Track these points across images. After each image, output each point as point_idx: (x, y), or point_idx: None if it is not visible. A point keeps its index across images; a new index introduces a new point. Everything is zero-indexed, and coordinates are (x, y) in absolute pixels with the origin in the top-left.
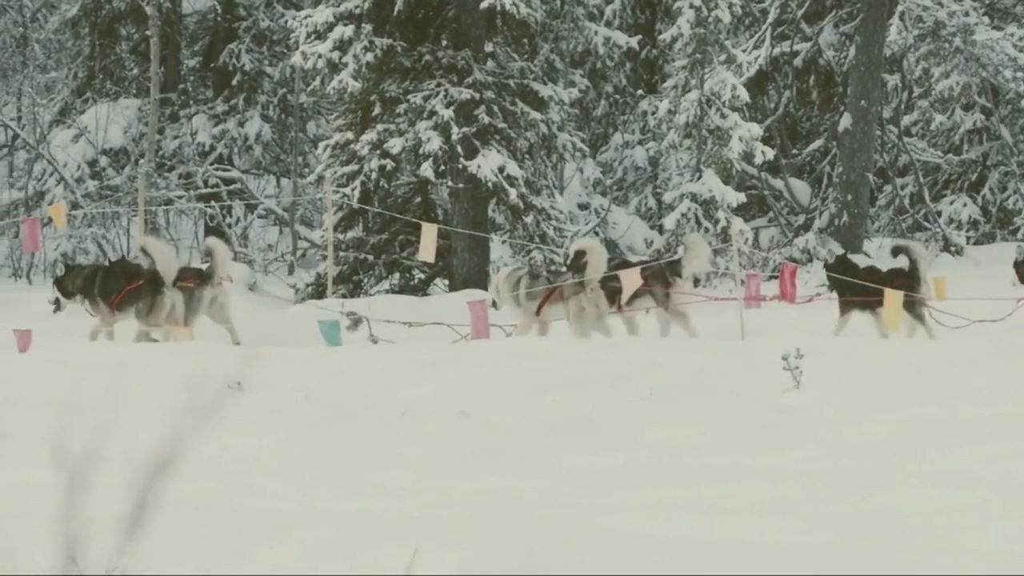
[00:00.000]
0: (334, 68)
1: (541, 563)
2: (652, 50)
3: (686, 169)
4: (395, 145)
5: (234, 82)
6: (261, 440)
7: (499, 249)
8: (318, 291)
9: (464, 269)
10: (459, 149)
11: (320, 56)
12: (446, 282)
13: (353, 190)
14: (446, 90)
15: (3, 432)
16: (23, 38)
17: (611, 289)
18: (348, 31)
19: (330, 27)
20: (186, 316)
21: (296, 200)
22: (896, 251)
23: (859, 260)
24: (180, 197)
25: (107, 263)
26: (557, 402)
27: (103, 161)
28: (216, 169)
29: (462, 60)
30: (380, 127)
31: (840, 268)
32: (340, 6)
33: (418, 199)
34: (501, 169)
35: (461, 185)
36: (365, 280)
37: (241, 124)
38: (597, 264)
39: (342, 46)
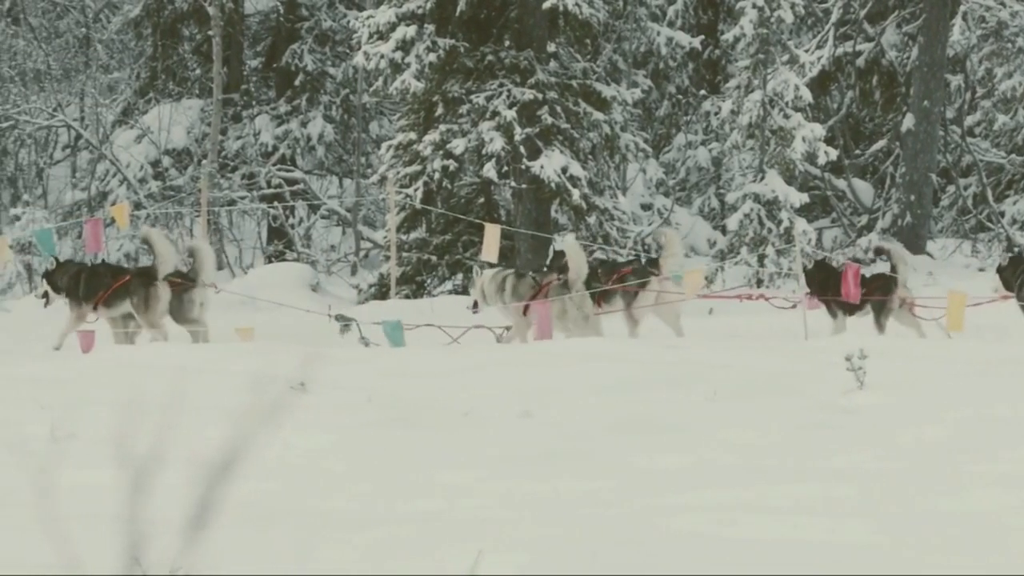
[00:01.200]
0: (397, 68)
1: (604, 564)
2: (715, 50)
3: (749, 170)
4: (458, 145)
5: (297, 82)
6: (324, 441)
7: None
8: (381, 292)
9: (527, 270)
10: (522, 149)
11: (383, 56)
12: None
13: (416, 191)
14: (509, 90)
15: (67, 433)
16: (86, 38)
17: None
18: (411, 31)
19: (392, 27)
20: (177, 316)
21: (359, 201)
22: (878, 252)
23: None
24: (243, 198)
25: (91, 263)
26: (620, 403)
27: (166, 161)
28: (279, 169)
29: (525, 60)
30: (443, 127)
31: (818, 273)
32: (403, 6)
33: (481, 199)
34: (564, 169)
35: (524, 185)
36: (428, 281)
37: (304, 124)
38: (578, 264)
39: (404, 46)
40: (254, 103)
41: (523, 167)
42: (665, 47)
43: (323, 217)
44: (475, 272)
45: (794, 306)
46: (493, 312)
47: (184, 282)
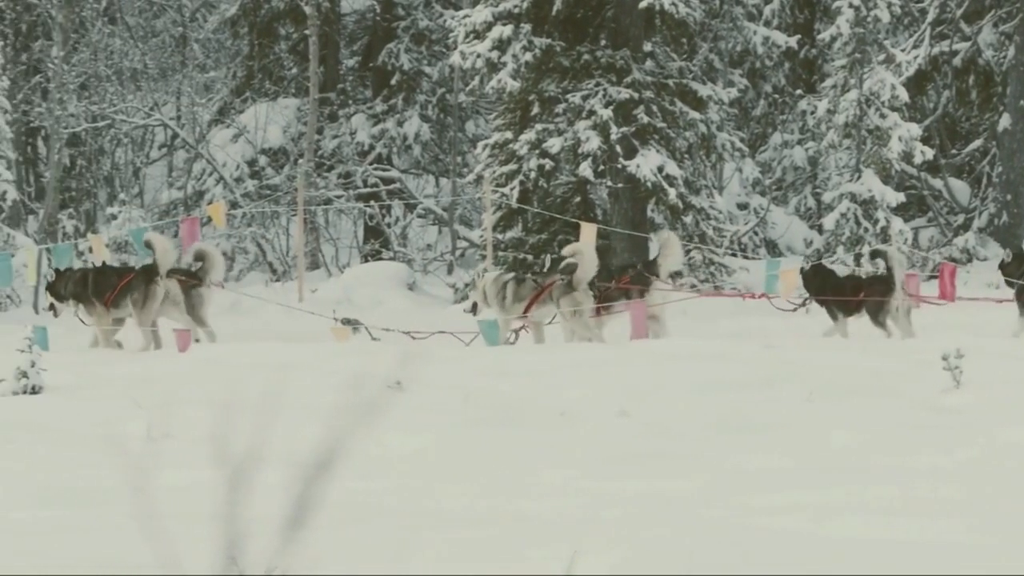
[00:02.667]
0: (493, 68)
1: (702, 564)
2: (811, 49)
3: (845, 169)
4: (554, 145)
5: (393, 81)
6: (420, 440)
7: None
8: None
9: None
10: (618, 149)
11: (479, 56)
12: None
13: (512, 190)
14: (605, 90)
15: (163, 432)
16: (182, 38)
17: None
18: (507, 31)
19: (489, 27)
20: (191, 312)
21: (455, 200)
22: (874, 255)
23: (838, 268)
24: (339, 197)
25: (94, 266)
26: (717, 402)
27: (262, 160)
28: (375, 169)
29: (621, 60)
30: (539, 127)
31: (815, 276)
32: (499, 6)
33: (577, 199)
34: (660, 169)
35: (620, 185)
36: None
37: (400, 124)
38: (588, 265)
39: (501, 46)
40: (350, 102)
41: (619, 166)
42: (761, 46)
43: (419, 216)
44: (477, 274)
45: (795, 309)
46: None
47: (189, 280)
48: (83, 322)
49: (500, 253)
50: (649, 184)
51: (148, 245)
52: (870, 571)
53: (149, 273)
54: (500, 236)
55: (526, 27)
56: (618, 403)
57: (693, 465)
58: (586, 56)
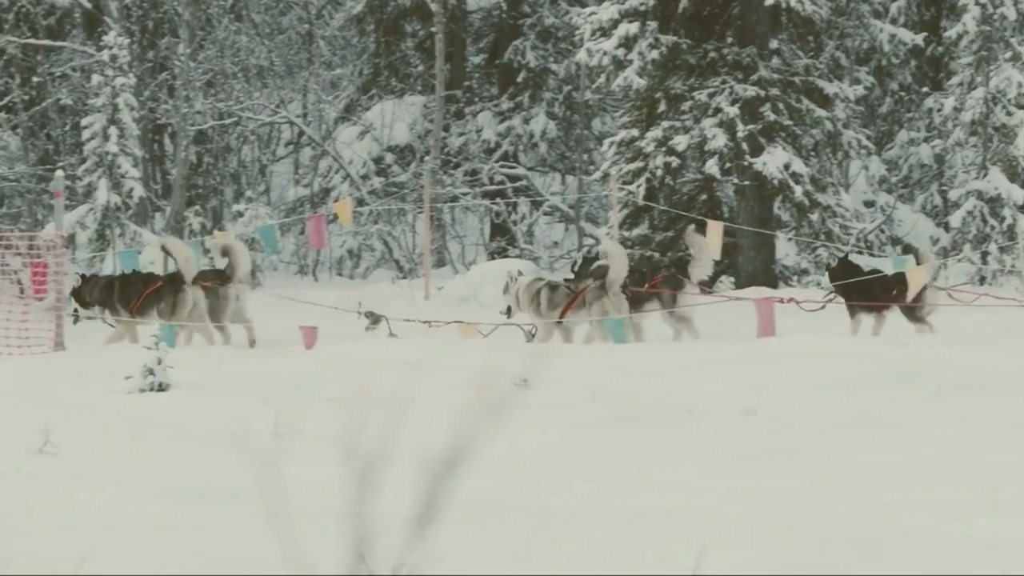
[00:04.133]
0: (619, 65)
1: (832, 562)
2: (937, 47)
3: (972, 166)
4: (680, 142)
5: (519, 79)
6: (548, 437)
7: (784, 247)
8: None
9: (750, 267)
10: (744, 146)
11: (605, 53)
12: (732, 280)
13: (638, 187)
14: (731, 87)
15: (293, 429)
16: (309, 35)
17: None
18: (633, 28)
19: (615, 24)
20: (213, 315)
21: (581, 197)
22: (905, 251)
23: (863, 264)
24: (465, 194)
25: (123, 273)
26: (843, 400)
27: (388, 158)
28: (501, 166)
29: (747, 57)
30: (665, 124)
31: (842, 272)
32: (625, 3)
33: (703, 196)
34: (787, 166)
35: (746, 182)
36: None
37: (526, 121)
38: (619, 266)
39: (627, 43)
40: (477, 99)
41: (745, 163)
42: (888, 44)
43: (546, 214)
44: (510, 278)
45: (822, 307)
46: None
47: (213, 283)
48: (111, 325)
49: (627, 250)
50: (775, 181)
51: (167, 252)
52: (1005, 571)
53: (176, 282)
54: (626, 233)
55: (652, 24)
56: (743, 400)
57: (819, 462)
58: (712, 53)
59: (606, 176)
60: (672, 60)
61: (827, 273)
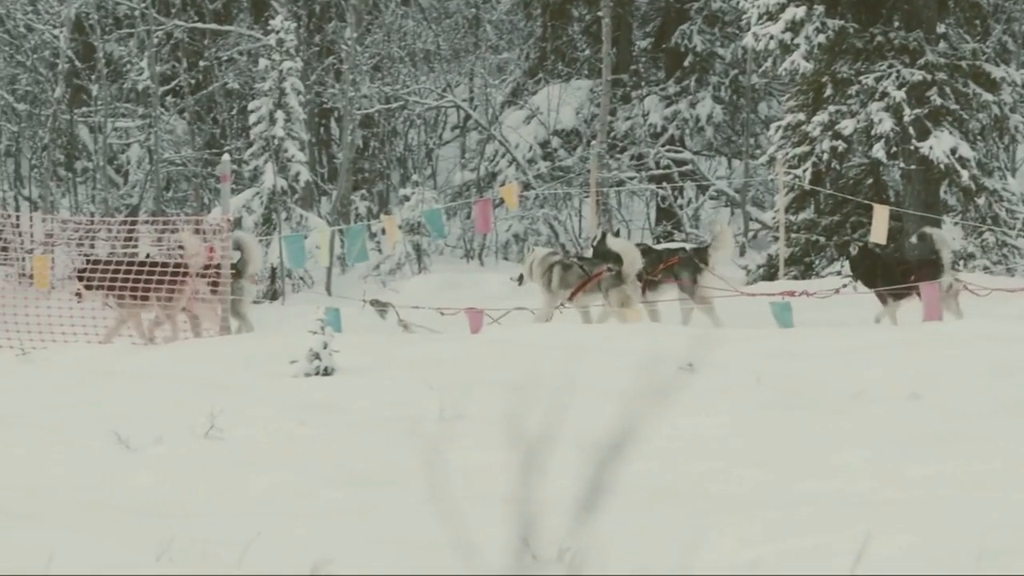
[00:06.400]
0: (786, 49)
1: (999, 548)
2: None
3: None
4: (847, 126)
5: (685, 63)
6: (713, 422)
7: (951, 230)
8: (769, 272)
9: (916, 251)
10: (911, 130)
11: (772, 37)
12: None
13: (804, 171)
14: (898, 71)
15: (457, 413)
16: (475, 19)
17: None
18: (800, 12)
19: (782, 8)
20: (234, 308)
21: (747, 181)
22: (920, 238)
23: (886, 251)
24: (631, 178)
25: (131, 258)
26: (1009, 384)
27: (555, 142)
28: (667, 150)
29: (914, 41)
30: (831, 108)
31: (863, 260)
32: None
33: (869, 180)
34: (953, 150)
35: (913, 166)
36: (816, 262)
37: (692, 105)
38: (632, 259)
39: (794, 27)
40: (643, 84)
41: (912, 148)
42: None
43: (711, 198)
44: (527, 248)
45: (837, 291)
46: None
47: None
48: (113, 309)
49: (792, 235)
50: (942, 166)
51: (179, 244)
52: None
53: (180, 270)
54: (792, 218)
55: (819, 8)
56: (909, 385)
57: (986, 448)
58: (879, 37)
59: (772, 160)
60: (839, 44)
61: (848, 262)
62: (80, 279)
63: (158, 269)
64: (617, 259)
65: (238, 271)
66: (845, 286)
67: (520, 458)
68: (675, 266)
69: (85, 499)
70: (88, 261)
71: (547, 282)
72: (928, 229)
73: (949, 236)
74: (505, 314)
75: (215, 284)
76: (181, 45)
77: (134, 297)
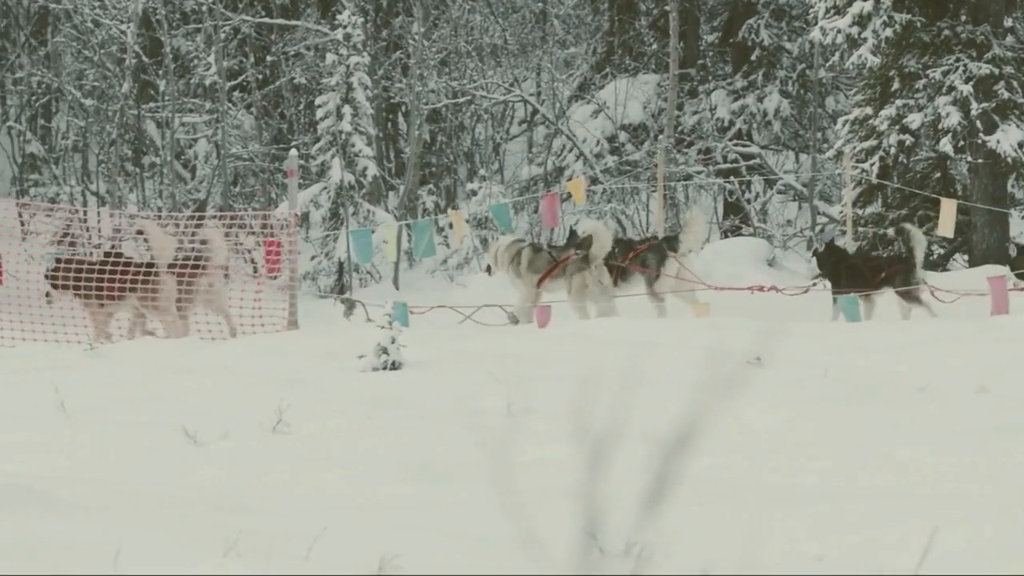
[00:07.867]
0: (853, 43)
1: None
2: None
3: None
4: (914, 120)
5: (753, 57)
6: (779, 416)
7: (1019, 224)
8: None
9: (984, 245)
10: (978, 124)
11: (839, 31)
12: (965, 258)
13: (872, 165)
14: (965, 65)
15: (524, 407)
16: (542, 13)
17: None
18: (867, 6)
19: (849, 2)
20: (216, 304)
21: (815, 175)
22: (899, 233)
23: (853, 248)
24: (699, 172)
25: (100, 255)
26: None
27: (622, 136)
28: (735, 144)
29: (981, 35)
30: (899, 102)
31: (829, 257)
32: None
33: (937, 174)
34: (1021, 144)
35: (980, 160)
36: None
37: (760, 99)
38: (603, 242)
39: (861, 21)
40: (710, 78)
41: (979, 142)
42: None
43: (779, 192)
44: (491, 238)
45: (806, 290)
46: (507, 288)
47: (191, 271)
48: (83, 309)
49: (860, 229)
50: (1009, 159)
51: (142, 235)
52: None
53: (150, 267)
54: (860, 212)
55: (886, 2)
56: (977, 378)
57: None
58: (946, 32)
59: (839, 154)
60: (906, 38)
61: (814, 259)
62: (48, 278)
63: (127, 266)
64: (587, 242)
65: (203, 268)
66: (815, 284)
67: (587, 452)
68: (644, 252)
69: (152, 493)
70: (57, 260)
71: (516, 267)
72: (907, 225)
73: (922, 235)
74: (476, 311)
75: (185, 279)
76: (248, 40)
77: (99, 296)
